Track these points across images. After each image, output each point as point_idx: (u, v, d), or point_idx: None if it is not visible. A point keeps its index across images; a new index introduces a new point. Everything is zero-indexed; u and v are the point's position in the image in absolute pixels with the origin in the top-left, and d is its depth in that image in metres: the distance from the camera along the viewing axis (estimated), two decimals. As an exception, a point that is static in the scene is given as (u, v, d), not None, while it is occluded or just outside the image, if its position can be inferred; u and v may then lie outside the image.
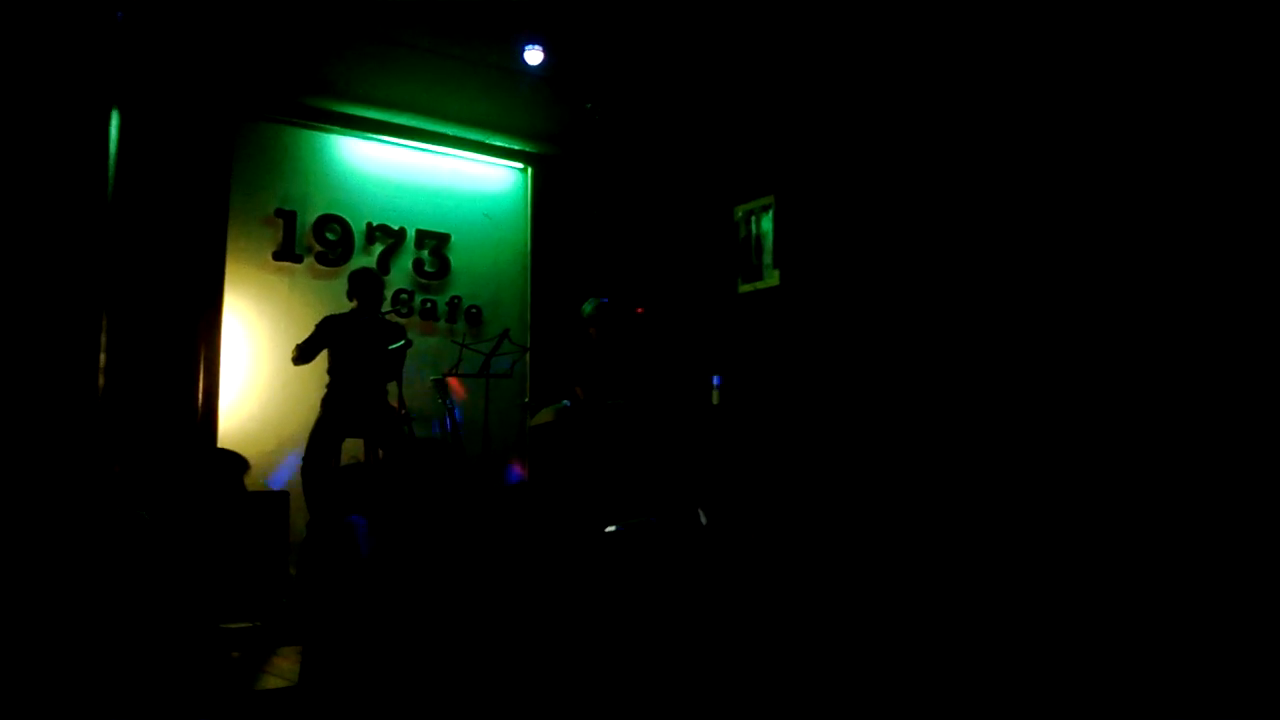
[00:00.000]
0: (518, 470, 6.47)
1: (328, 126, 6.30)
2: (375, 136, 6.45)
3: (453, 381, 5.70)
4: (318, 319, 5.53)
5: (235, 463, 4.32)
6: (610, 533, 4.72)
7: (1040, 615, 3.82)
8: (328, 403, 5.47)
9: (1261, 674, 2.50)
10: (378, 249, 6.43)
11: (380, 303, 5.68)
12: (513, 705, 3.21)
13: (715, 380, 5.78)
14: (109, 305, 4.66)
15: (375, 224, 6.43)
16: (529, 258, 7.00)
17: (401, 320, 6.19)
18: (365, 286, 5.59)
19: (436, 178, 6.73)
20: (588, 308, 6.03)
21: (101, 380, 4.44)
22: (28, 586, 3.33)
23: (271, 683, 3.46)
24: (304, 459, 5.33)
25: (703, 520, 5.04)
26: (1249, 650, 2.79)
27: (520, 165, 7.03)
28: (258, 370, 5.90)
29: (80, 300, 4.25)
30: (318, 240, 6.22)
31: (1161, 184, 4.01)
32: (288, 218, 6.11)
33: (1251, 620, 3.11)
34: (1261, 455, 3.54)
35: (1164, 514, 3.76)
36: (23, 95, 4.13)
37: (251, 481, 4.78)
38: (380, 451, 5.55)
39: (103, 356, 4.45)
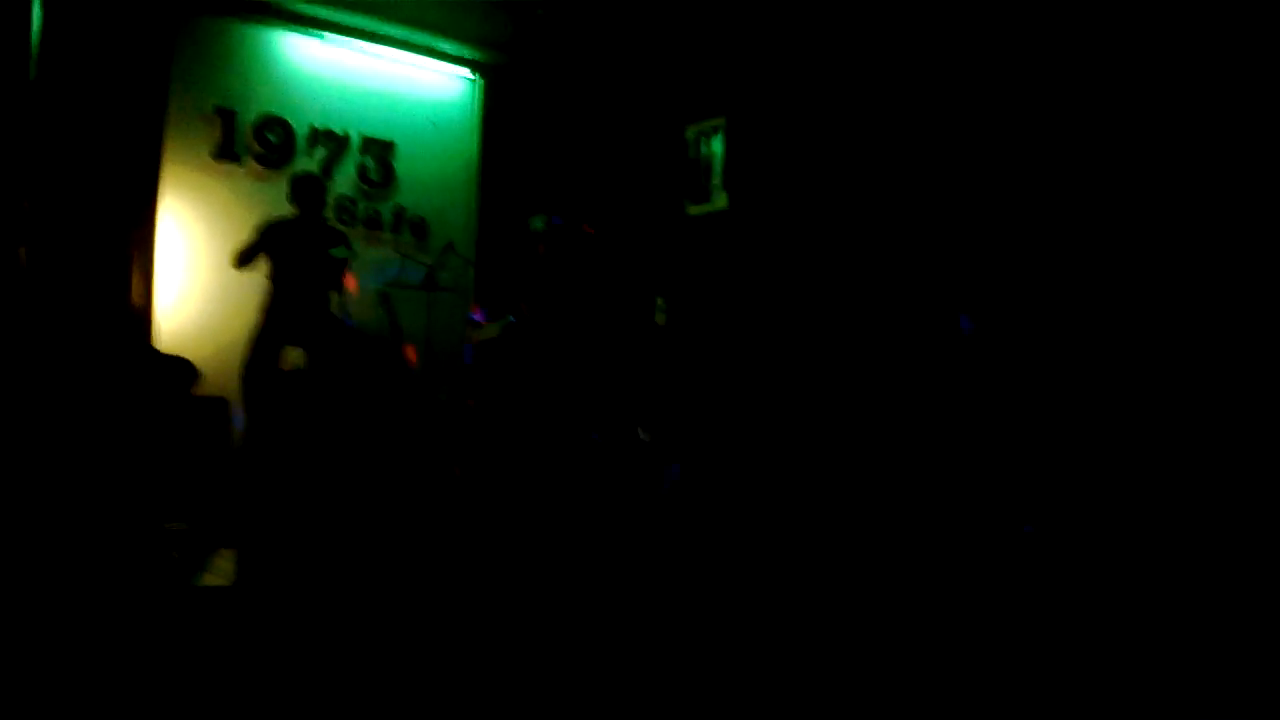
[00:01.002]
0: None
1: (272, 21, 6.11)
2: (321, 34, 6.27)
3: (348, 279, 5.50)
4: (257, 222, 5.42)
5: (185, 370, 4.26)
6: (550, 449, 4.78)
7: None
8: (268, 310, 5.39)
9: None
10: (320, 153, 6.29)
11: (323, 209, 5.59)
12: (441, 615, 3.28)
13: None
14: (32, 191, 4.50)
15: (319, 127, 6.28)
16: (476, 169, 6.91)
17: (344, 228, 6.09)
18: (307, 192, 5.48)
19: (383, 82, 6.57)
20: (537, 224, 5.99)
21: (23, 260, 4.29)
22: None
23: (210, 580, 3.49)
24: (244, 364, 5.27)
25: (643, 438, 5.12)
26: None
27: (470, 74, 6.89)
28: (196, 273, 5.79)
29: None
30: (258, 141, 6.06)
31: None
32: (227, 116, 5.94)
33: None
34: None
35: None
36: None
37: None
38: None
39: (22, 253, 4.31)
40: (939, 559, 3.95)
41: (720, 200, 6.10)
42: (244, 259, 5.28)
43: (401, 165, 6.60)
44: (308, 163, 6.16)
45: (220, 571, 3.61)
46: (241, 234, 5.39)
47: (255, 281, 5.45)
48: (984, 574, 3.76)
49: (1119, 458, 3.87)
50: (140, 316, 5.41)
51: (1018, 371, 4.24)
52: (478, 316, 5.95)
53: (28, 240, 4.41)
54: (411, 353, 5.88)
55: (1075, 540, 3.79)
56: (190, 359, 4.56)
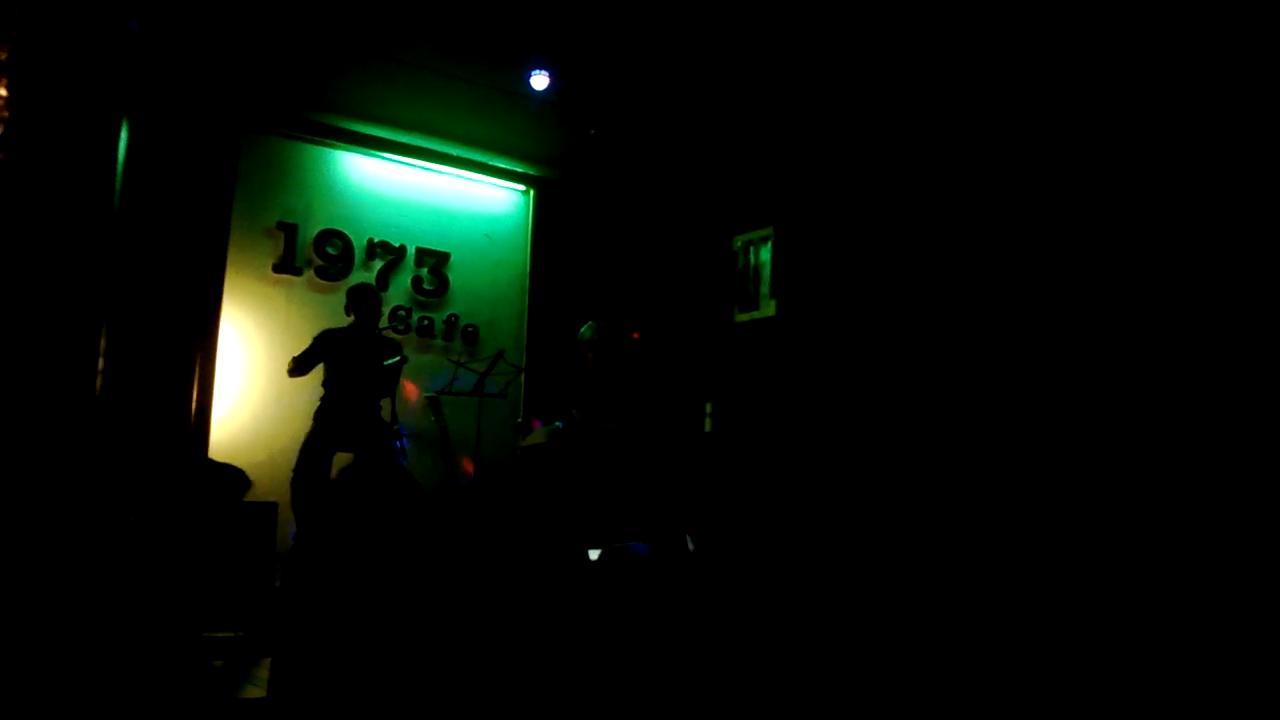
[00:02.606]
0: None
1: (332, 142, 6.37)
2: (379, 154, 6.51)
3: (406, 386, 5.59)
4: (315, 332, 5.55)
5: (236, 479, 4.31)
6: (595, 558, 4.72)
7: (1030, 651, 3.82)
8: (321, 415, 5.48)
9: (1261, 674, 2.49)
10: (377, 265, 6.48)
11: (378, 318, 5.71)
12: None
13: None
14: (110, 313, 4.68)
15: (376, 240, 6.47)
16: (527, 279, 7.04)
17: (398, 337, 6.21)
18: (363, 302, 5.62)
19: (438, 196, 6.79)
20: (586, 331, 6.06)
21: (99, 386, 4.45)
22: (18, 589, 3.33)
23: (252, 692, 3.46)
24: (295, 470, 5.34)
25: (690, 547, 5.04)
26: (1248, 651, 2.77)
27: (522, 187, 7.09)
28: (253, 381, 5.92)
29: (83, 308, 4.26)
30: (318, 254, 6.26)
31: (1157, 207, 4.06)
32: (289, 231, 6.16)
33: (1251, 621, 3.08)
34: (1261, 456, 3.53)
35: (1160, 516, 3.73)
36: (38, 102, 4.17)
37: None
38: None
39: (101, 362, 4.46)
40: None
41: (768, 308, 6.12)
42: (300, 366, 5.40)
43: (455, 275, 6.76)
44: (365, 275, 6.34)
45: (262, 682, 3.58)
46: (299, 344, 5.52)
47: (308, 389, 5.56)
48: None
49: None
50: (198, 426, 5.53)
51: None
52: (536, 425, 5.98)
53: (106, 355, 4.57)
54: (468, 463, 5.91)
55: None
56: (242, 466, 4.62)
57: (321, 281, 6.25)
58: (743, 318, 6.28)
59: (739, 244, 6.39)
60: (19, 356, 4.02)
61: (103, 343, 4.49)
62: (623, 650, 4.04)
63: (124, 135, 4.77)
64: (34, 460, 3.88)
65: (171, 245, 5.45)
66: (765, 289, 6.18)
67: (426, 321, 6.63)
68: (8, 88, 3.98)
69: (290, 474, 5.37)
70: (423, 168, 6.69)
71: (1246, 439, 3.67)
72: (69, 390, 4.24)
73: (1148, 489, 3.89)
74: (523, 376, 6.74)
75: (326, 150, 6.38)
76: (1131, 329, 4.10)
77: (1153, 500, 3.86)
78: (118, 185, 4.74)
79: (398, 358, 5.53)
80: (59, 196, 4.29)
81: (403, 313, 6.53)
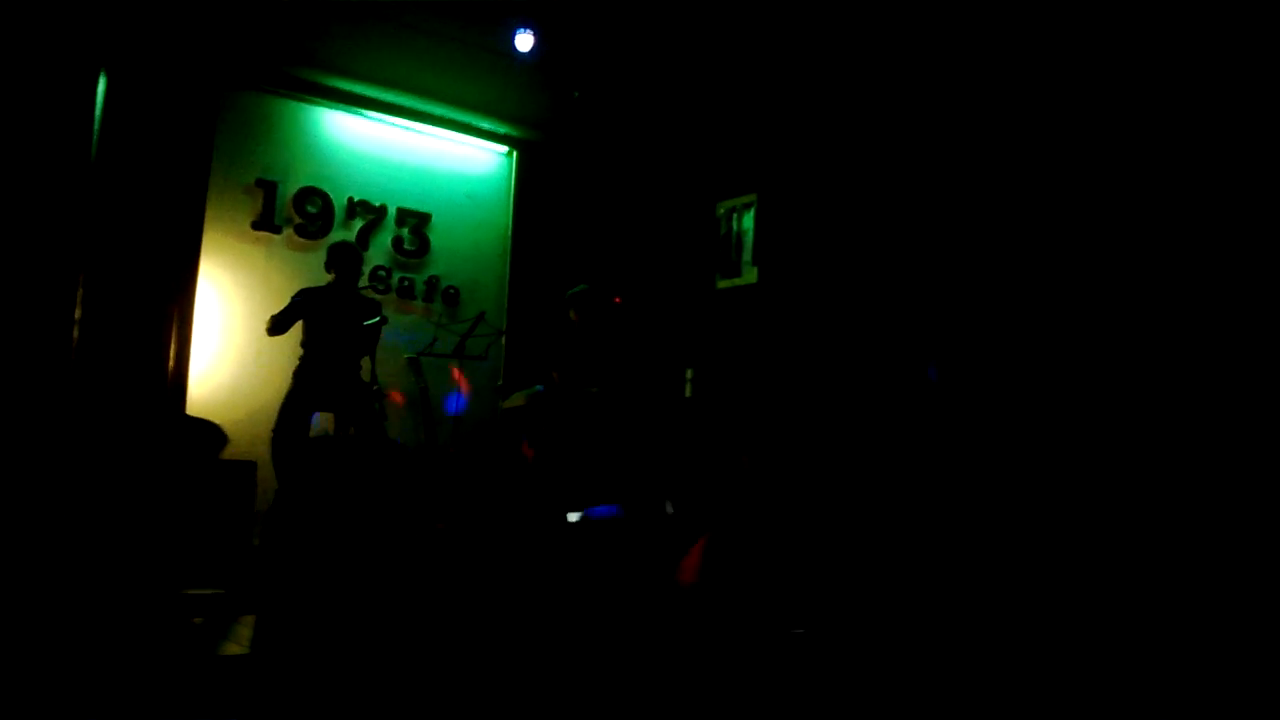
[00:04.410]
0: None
1: (314, 99, 6.28)
2: (361, 111, 6.44)
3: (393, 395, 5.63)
4: (294, 291, 5.51)
5: (213, 434, 4.30)
6: (573, 521, 4.75)
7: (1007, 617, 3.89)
8: (300, 375, 5.46)
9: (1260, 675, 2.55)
10: (358, 224, 6.42)
11: (358, 278, 5.68)
12: (462, 687, 3.24)
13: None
14: (87, 265, 4.63)
15: (356, 199, 6.42)
16: (509, 241, 7.01)
17: (378, 297, 6.18)
18: (343, 260, 5.58)
19: (420, 156, 6.72)
20: (577, 291, 6.05)
21: (76, 337, 4.41)
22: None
23: (231, 649, 3.47)
24: (274, 429, 5.32)
25: (669, 510, 5.08)
26: (1248, 651, 2.83)
27: (505, 149, 7.04)
28: (231, 339, 5.88)
29: (60, 258, 4.22)
30: (298, 212, 6.20)
31: (1133, 178, 4.09)
32: (268, 188, 6.09)
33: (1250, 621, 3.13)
34: (1260, 456, 3.58)
35: (1155, 514, 3.79)
36: (13, 51, 4.09)
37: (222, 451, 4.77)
38: (351, 427, 5.55)
39: (78, 311, 4.42)
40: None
41: (750, 275, 6.13)
42: (278, 325, 5.36)
43: (436, 236, 6.71)
44: (345, 234, 6.29)
45: (241, 639, 3.60)
46: (278, 302, 5.48)
47: (287, 347, 5.53)
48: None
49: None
50: (176, 382, 5.49)
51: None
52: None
53: (83, 311, 4.53)
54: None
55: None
56: (219, 423, 4.61)
57: (301, 240, 6.20)
58: (724, 284, 6.29)
59: (722, 210, 6.39)
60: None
61: (79, 293, 4.45)
62: (597, 611, 4.08)
63: (102, 86, 4.70)
64: (8, 414, 3.85)
65: (150, 200, 5.38)
66: (747, 256, 6.18)
67: (407, 282, 6.59)
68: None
69: (269, 433, 5.35)
70: (405, 127, 6.62)
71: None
72: (45, 344, 4.20)
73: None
74: (503, 339, 6.73)
75: (308, 107, 6.30)
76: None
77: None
78: (95, 136, 4.68)
79: (378, 318, 5.51)
80: (35, 145, 4.23)
81: (383, 273, 6.49)
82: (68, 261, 4.31)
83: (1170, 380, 3.89)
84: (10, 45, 4.08)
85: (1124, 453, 3.96)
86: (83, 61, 4.42)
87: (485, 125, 6.86)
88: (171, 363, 5.50)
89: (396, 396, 6.24)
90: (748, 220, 6.21)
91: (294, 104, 6.25)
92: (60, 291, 4.27)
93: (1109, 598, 3.74)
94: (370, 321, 5.46)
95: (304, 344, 5.50)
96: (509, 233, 7.01)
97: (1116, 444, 4.00)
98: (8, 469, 3.63)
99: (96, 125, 4.62)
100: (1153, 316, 3.97)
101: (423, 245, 6.66)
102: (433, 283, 6.68)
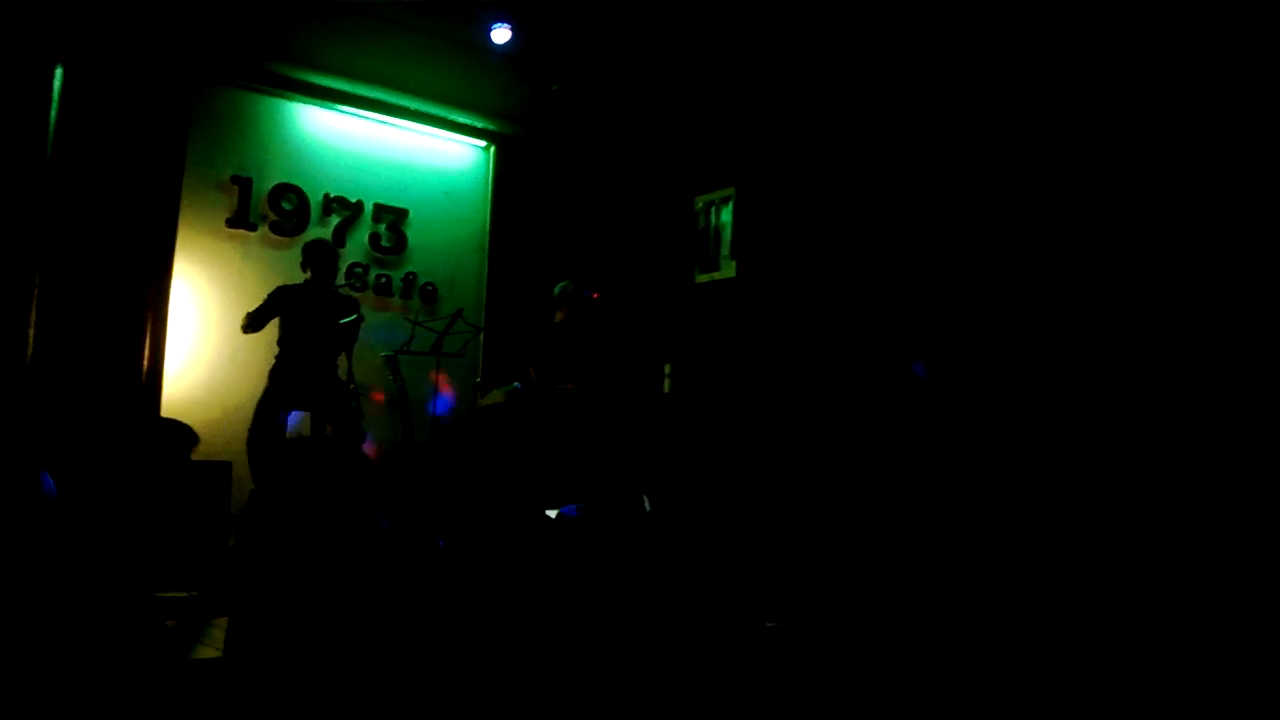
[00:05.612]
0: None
1: (289, 94, 6.22)
2: (337, 106, 6.39)
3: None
4: (270, 288, 5.47)
5: (183, 435, 4.26)
6: (551, 517, 4.74)
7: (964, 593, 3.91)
8: (276, 374, 5.42)
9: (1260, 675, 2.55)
10: (334, 221, 6.38)
11: (334, 275, 5.64)
12: (438, 687, 3.23)
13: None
14: (45, 265, 4.56)
15: (333, 195, 6.37)
16: (487, 237, 6.98)
17: (355, 294, 6.14)
18: (319, 258, 5.54)
19: (397, 152, 6.68)
20: (563, 287, 6.03)
21: (31, 340, 4.33)
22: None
23: (205, 652, 3.45)
24: (250, 429, 5.29)
25: (647, 506, 5.08)
26: (1248, 651, 2.83)
27: (483, 143, 7.00)
28: (206, 338, 5.84)
29: (8, 258, 4.14)
30: (273, 209, 6.15)
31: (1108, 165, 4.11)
32: (244, 184, 6.04)
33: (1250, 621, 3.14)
34: (1260, 456, 3.59)
35: (1151, 512, 3.80)
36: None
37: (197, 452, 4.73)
38: (328, 427, 5.52)
39: (34, 312, 4.35)
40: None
41: (728, 269, 6.13)
42: (254, 323, 5.32)
43: (414, 232, 6.68)
44: (321, 230, 6.24)
45: (215, 642, 3.58)
46: (254, 300, 5.44)
47: (263, 346, 5.50)
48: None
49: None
50: (150, 383, 5.44)
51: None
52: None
53: (39, 311, 4.46)
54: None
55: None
56: (192, 423, 4.56)
57: (276, 237, 6.15)
58: (703, 279, 6.29)
59: (700, 204, 6.38)
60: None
61: (35, 293, 4.37)
62: (573, 608, 4.07)
63: (58, 81, 4.62)
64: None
65: (118, 197, 5.31)
66: (726, 250, 6.18)
67: (384, 279, 6.56)
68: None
69: (245, 433, 5.32)
70: (382, 122, 6.57)
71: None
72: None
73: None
74: (481, 336, 6.70)
75: (283, 102, 6.24)
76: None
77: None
78: (51, 132, 4.60)
79: (355, 315, 5.48)
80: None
81: (360, 270, 6.44)
82: (19, 261, 4.24)
83: (1156, 374, 3.90)
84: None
85: (1108, 446, 3.98)
86: (35, 55, 4.34)
87: (463, 120, 6.82)
88: (146, 362, 5.45)
89: (375, 395, 6.22)
90: (726, 214, 6.21)
91: (269, 99, 6.19)
92: (10, 292, 4.19)
93: (1090, 591, 3.76)
94: (347, 319, 5.43)
95: (280, 342, 5.46)
96: (487, 228, 6.98)
97: (1101, 437, 4.02)
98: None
99: (52, 120, 4.54)
100: (1138, 307, 3.99)
101: (400, 242, 6.63)
102: (410, 279, 6.65)
